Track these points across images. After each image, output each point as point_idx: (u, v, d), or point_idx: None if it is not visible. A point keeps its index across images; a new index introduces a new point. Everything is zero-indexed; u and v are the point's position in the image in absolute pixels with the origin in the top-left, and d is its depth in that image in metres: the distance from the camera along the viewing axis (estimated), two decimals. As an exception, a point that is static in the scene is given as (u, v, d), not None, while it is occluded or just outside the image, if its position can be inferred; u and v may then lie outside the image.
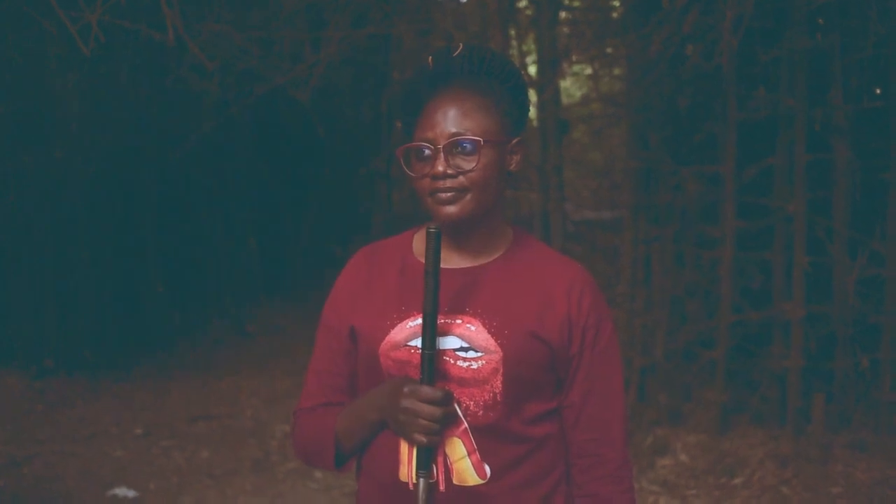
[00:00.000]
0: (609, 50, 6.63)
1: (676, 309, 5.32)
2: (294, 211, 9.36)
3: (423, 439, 1.54)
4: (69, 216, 6.80)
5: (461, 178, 1.58)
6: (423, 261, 1.67)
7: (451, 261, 1.67)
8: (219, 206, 8.46)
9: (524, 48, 7.28)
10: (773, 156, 4.95)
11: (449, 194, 1.58)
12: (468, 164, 1.58)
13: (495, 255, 1.69)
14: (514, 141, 1.65)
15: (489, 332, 1.60)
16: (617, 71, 7.22)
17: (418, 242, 1.73)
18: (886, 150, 4.78)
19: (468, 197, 1.59)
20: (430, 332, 1.53)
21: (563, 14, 6.49)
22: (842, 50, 4.72)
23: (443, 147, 1.57)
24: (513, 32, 6.79)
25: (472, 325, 1.61)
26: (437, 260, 1.54)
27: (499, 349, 1.59)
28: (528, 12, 7.04)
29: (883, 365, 4.81)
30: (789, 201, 4.86)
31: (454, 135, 1.57)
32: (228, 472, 5.01)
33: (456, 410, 1.59)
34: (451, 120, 1.58)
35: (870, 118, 4.93)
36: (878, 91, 5.08)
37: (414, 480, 1.59)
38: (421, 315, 1.59)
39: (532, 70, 6.64)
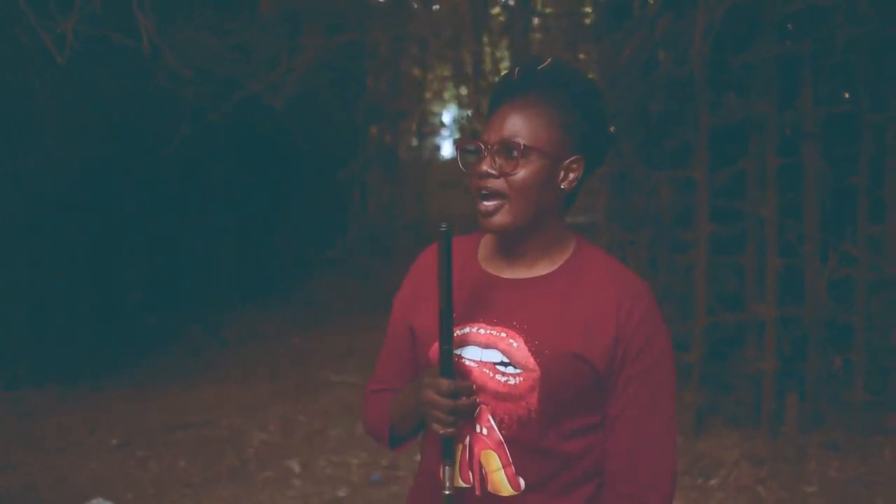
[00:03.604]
0: (582, 56, 6.68)
1: (651, 312, 5.35)
2: (272, 217, 9.33)
3: (441, 430, 1.58)
4: (44, 222, 6.72)
5: (502, 182, 1.59)
6: (487, 270, 1.70)
7: (504, 271, 1.68)
8: (197, 212, 8.41)
9: (497, 54, 7.32)
10: (744, 160, 5.02)
11: (490, 203, 1.60)
12: (509, 167, 1.59)
13: (551, 268, 1.67)
14: (572, 158, 1.63)
15: (530, 350, 1.59)
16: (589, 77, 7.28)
17: (484, 248, 1.74)
18: (855, 154, 4.86)
19: (506, 207, 1.60)
20: (447, 329, 1.56)
21: (535, 20, 6.54)
22: (811, 56, 4.79)
23: (491, 149, 1.60)
24: (486, 39, 6.83)
25: (515, 341, 1.61)
26: (450, 259, 1.56)
27: (537, 368, 1.58)
28: (501, 19, 7.08)
29: (855, 365, 4.88)
30: (761, 205, 4.92)
31: (502, 138, 1.60)
32: (206, 481, 4.97)
33: (476, 404, 1.61)
34: (507, 125, 1.60)
35: (839, 123, 5.00)
36: (846, 96, 5.15)
37: (470, 483, 1.64)
38: (467, 325, 1.64)
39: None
